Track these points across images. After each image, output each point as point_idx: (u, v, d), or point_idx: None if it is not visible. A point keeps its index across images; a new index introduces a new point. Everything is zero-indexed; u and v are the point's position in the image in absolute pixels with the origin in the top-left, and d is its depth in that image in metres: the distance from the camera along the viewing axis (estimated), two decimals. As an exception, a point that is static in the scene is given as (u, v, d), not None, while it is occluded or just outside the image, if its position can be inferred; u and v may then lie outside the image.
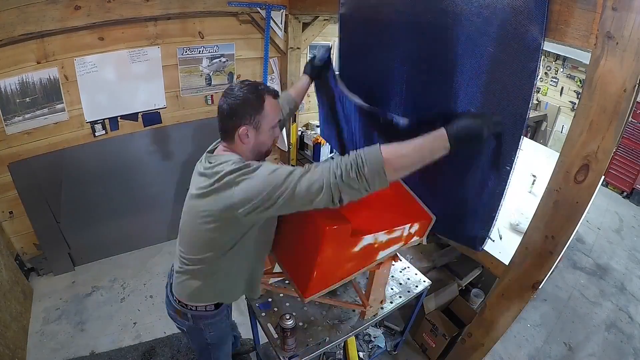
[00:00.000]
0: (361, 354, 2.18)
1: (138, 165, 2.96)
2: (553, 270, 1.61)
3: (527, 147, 2.73)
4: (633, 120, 4.34)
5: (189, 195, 1.23)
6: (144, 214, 3.11)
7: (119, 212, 2.99)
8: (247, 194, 1.03)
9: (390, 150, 1.00)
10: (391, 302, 1.85)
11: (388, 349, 2.30)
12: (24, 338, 2.29)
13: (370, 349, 2.25)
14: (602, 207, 4.28)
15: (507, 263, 1.64)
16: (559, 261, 1.57)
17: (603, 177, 1.31)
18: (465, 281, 2.48)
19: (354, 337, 2.16)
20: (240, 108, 1.12)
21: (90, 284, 2.81)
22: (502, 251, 1.76)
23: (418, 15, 1.75)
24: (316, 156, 3.66)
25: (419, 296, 1.99)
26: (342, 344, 2.13)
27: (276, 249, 1.60)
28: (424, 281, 1.98)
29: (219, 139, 1.26)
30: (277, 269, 1.72)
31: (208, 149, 1.27)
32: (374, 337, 2.29)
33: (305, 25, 3.23)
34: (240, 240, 1.20)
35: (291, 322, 1.47)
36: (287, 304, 1.78)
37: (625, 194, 4.65)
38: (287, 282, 1.86)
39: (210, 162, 1.15)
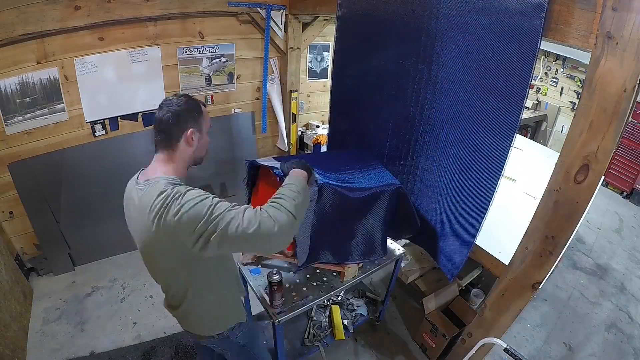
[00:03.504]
0: (345, 321, 2.30)
1: (138, 166, 2.88)
2: (553, 270, 1.62)
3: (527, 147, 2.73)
4: (633, 120, 4.34)
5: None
6: (144, 214, 3.11)
7: (119, 212, 2.91)
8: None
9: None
10: (369, 266, 2.02)
11: (370, 317, 2.41)
12: (24, 338, 2.29)
13: (354, 317, 2.38)
14: (602, 207, 4.28)
15: (507, 263, 1.64)
16: (559, 261, 1.57)
17: (603, 177, 1.31)
18: (465, 281, 2.48)
19: (338, 306, 2.35)
20: (185, 112, 1.16)
21: (90, 284, 2.81)
22: (502, 251, 1.76)
23: (417, 17, 1.75)
24: (316, 156, 3.66)
25: (395, 262, 2.17)
26: (328, 312, 2.35)
27: None
28: (399, 249, 2.16)
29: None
30: None
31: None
32: (357, 306, 2.44)
33: (305, 25, 3.23)
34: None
35: (277, 276, 1.63)
36: (275, 270, 1.85)
37: (625, 194, 4.65)
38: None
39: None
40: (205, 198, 1.04)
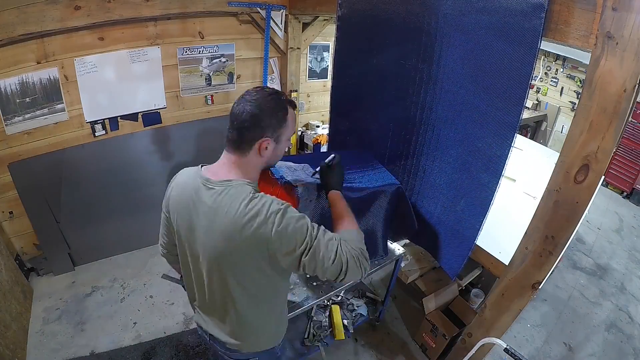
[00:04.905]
0: (345, 321, 2.31)
1: (138, 165, 2.96)
2: (553, 270, 1.62)
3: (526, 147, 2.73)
4: (633, 120, 4.35)
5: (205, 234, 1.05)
6: (144, 213, 3.11)
7: (119, 212, 2.99)
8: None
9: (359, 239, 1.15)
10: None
11: (370, 317, 2.42)
12: (24, 338, 2.29)
13: (354, 317, 2.39)
14: (602, 207, 4.28)
15: (507, 263, 1.64)
16: (559, 261, 1.57)
17: (603, 177, 1.31)
18: (466, 281, 2.48)
19: (338, 306, 2.35)
20: (266, 117, 1.01)
21: (90, 284, 2.81)
22: (502, 251, 1.76)
23: (417, 17, 1.75)
24: (316, 156, 3.66)
25: (395, 262, 2.17)
26: (328, 312, 2.35)
27: None
28: (399, 249, 2.16)
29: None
30: None
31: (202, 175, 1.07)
32: (357, 307, 2.44)
33: (305, 25, 3.23)
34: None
35: None
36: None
37: (625, 194, 4.65)
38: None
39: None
40: (304, 217, 1.02)
